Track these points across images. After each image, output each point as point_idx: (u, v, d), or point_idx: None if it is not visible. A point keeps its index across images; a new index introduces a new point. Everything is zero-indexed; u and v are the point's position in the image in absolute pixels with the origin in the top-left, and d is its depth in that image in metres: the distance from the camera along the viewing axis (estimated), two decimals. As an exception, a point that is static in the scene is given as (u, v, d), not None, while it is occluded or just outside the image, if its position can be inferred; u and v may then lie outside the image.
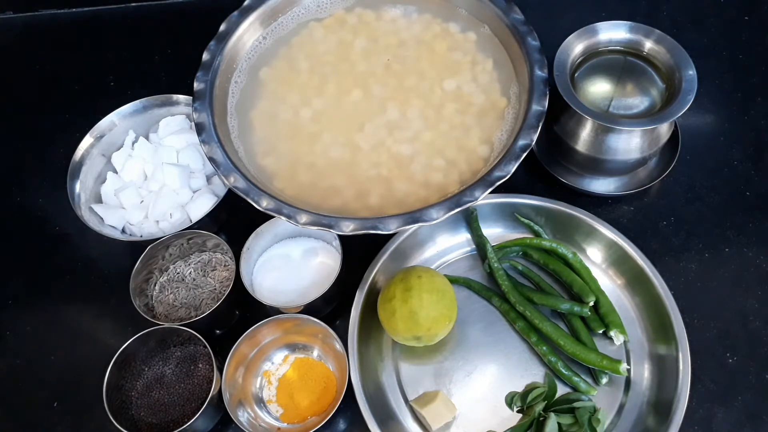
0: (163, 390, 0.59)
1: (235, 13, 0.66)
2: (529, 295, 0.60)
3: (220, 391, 0.55)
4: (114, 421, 0.53)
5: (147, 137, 0.70)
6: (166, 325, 0.57)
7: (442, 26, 0.67)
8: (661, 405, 0.55)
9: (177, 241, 0.62)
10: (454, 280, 0.62)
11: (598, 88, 0.63)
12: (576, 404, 0.55)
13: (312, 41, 0.68)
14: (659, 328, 0.58)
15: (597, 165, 0.64)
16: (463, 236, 0.65)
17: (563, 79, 0.60)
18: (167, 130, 0.70)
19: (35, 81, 0.84)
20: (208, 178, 0.68)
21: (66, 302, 0.66)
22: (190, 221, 0.64)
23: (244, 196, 0.56)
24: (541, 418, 0.55)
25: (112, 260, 0.67)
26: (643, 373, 0.58)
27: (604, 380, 0.57)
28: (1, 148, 0.79)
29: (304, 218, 0.54)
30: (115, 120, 0.69)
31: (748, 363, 0.59)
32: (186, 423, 0.52)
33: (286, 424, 0.57)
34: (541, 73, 0.60)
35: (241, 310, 0.63)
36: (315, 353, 0.60)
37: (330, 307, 0.62)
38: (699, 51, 0.63)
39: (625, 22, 0.63)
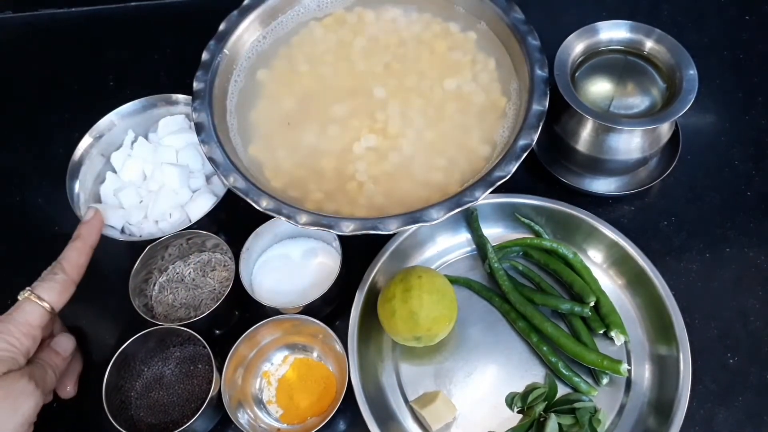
0: (162, 390, 0.58)
1: (235, 12, 0.66)
2: (530, 295, 0.60)
3: (219, 392, 0.54)
4: (113, 422, 0.53)
5: (146, 137, 0.70)
6: (166, 325, 0.57)
7: (442, 26, 0.67)
8: (661, 405, 0.54)
9: (176, 241, 0.62)
10: (454, 281, 0.62)
11: (599, 88, 0.63)
12: (576, 405, 0.55)
13: (312, 40, 0.67)
14: (660, 328, 0.58)
15: (597, 165, 0.64)
16: (464, 236, 0.65)
17: (564, 78, 0.60)
18: (166, 129, 0.69)
19: (35, 81, 0.84)
20: (208, 178, 0.68)
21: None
22: (190, 221, 0.64)
23: (244, 196, 0.55)
24: (542, 419, 0.55)
25: (111, 260, 0.67)
26: (643, 374, 0.58)
27: (605, 381, 0.56)
28: (0, 148, 0.79)
29: (303, 218, 0.53)
30: (115, 120, 0.69)
31: (749, 363, 0.59)
32: (185, 424, 0.52)
33: (285, 425, 0.57)
34: (541, 72, 0.60)
35: (241, 311, 0.63)
36: (315, 354, 0.60)
37: (330, 308, 0.62)
38: (700, 50, 0.63)
39: (626, 21, 0.63)
